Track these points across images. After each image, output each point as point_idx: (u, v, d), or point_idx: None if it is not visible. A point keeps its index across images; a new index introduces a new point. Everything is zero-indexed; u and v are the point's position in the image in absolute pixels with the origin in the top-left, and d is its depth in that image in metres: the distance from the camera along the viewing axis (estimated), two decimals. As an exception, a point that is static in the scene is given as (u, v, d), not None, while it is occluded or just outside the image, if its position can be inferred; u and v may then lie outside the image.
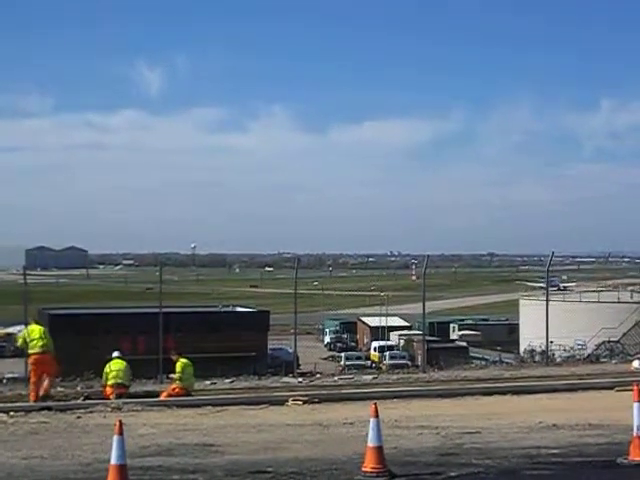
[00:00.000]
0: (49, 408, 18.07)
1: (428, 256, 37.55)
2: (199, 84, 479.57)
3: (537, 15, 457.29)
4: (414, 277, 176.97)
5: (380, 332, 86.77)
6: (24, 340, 20.00)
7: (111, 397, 19.83)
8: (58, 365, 20.28)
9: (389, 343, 79.03)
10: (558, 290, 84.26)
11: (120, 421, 10.21)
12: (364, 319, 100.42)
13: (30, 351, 19.86)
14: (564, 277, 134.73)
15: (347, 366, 61.41)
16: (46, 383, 19.48)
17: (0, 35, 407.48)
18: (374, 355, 75.49)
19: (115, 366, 20.64)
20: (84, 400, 19.41)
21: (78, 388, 21.14)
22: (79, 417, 17.13)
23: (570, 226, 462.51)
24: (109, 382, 20.42)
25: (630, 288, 73.13)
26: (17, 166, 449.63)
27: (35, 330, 19.98)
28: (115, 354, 21.21)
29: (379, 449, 11.14)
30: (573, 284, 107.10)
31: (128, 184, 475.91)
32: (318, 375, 29.69)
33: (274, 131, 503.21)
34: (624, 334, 51.20)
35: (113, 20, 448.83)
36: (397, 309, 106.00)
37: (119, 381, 20.38)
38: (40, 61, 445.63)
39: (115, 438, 10.00)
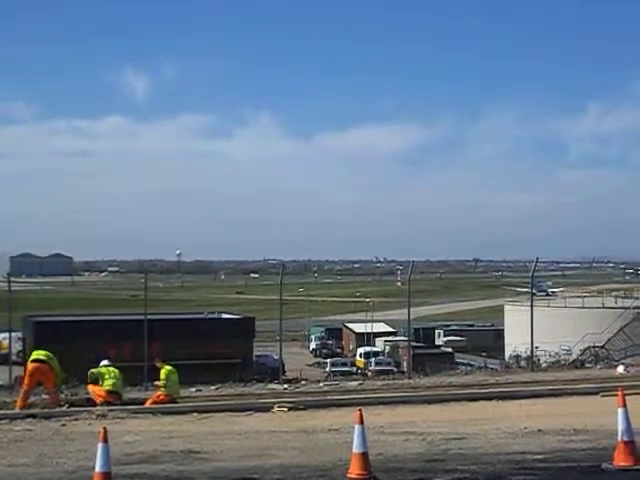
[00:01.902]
0: (34, 415, 18.03)
1: (413, 262, 37.72)
2: (186, 91, 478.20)
3: (526, 22, 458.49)
4: (399, 283, 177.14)
5: (365, 338, 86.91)
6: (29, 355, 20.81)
7: (99, 400, 19.79)
8: (63, 373, 20.62)
9: (375, 349, 79.13)
10: (546, 295, 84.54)
11: (105, 428, 10.19)
12: (350, 325, 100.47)
13: (31, 358, 20.29)
14: (549, 283, 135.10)
15: (333, 372, 61.44)
16: (50, 395, 20.00)
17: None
18: (360, 361, 75.44)
19: (113, 374, 20.55)
20: (69, 407, 19.35)
21: (63, 395, 21.02)
22: (64, 425, 17.06)
23: (555, 231, 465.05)
24: (105, 387, 20.30)
25: (614, 293, 73.25)
26: (2, 172, 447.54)
27: (42, 349, 20.75)
28: (104, 362, 21.07)
29: (364, 455, 11.14)
30: (561, 289, 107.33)
31: (114, 191, 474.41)
32: (303, 382, 29.71)
33: (261, 138, 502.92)
34: (609, 339, 51.17)
35: (99, 27, 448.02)
36: (382, 315, 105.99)
37: (114, 390, 20.32)
38: (26, 68, 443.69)
39: (100, 445, 9.97)
